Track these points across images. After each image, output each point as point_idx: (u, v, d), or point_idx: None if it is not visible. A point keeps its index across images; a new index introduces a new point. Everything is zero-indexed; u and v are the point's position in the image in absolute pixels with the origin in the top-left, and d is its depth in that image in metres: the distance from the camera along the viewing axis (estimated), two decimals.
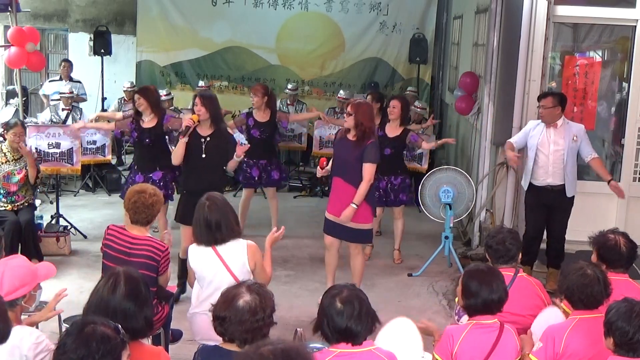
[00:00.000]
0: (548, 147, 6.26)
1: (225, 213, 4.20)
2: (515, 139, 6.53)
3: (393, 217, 7.33)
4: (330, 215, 5.79)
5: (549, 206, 6.35)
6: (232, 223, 4.21)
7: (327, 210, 5.85)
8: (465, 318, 3.84)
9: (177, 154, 5.82)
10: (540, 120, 6.37)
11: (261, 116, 7.54)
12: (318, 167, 5.96)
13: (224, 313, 3.04)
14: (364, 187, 5.57)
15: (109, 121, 7.91)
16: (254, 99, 7.51)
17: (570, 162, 6.25)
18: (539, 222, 6.39)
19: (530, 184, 6.40)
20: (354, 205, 5.56)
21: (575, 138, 6.22)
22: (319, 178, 6.32)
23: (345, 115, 5.73)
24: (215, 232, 4.15)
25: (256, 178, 7.58)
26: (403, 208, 7.28)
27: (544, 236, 6.55)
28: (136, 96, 6.73)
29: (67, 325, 3.38)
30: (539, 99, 6.35)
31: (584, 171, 7.09)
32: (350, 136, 5.67)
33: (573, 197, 6.35)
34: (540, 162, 6.29)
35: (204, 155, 5.76)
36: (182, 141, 5.76)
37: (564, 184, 6.27)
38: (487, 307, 3.51)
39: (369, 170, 5.57)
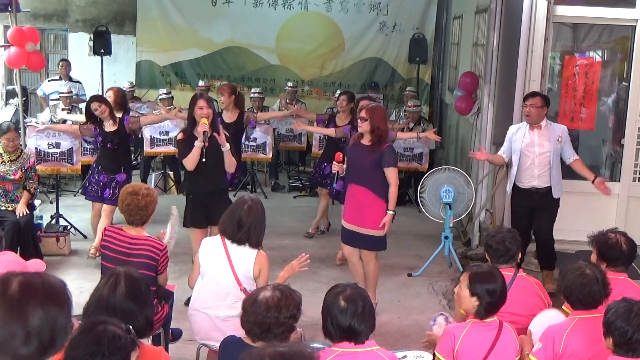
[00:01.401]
0: (533, 150, 6.24)
1: (258, 222, 4.20)
2: (503, 150, 6.50)
3: None
4: (347, 224, 5.73)
5: (534, 209, 6.33)
6: (259, 233, 4.20)
7: (343, 218, 5.79)
8: (440, 319, 3.90)
9: (192, 159, 5.62)
10: (520, 124, 6.39)
11: (228, 116, 7.46)
12: (334, 161, 5.81)
13: (245, 305, 3.17)
14: (393, 191, 5.57)
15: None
16: (221, 99, 7.44)
17: (555, 163, 6.25)
18: (524, 225, 6.32)
19: (516, 187, 6.38)
20: (391, 212, 5.56)
21: (559, 139, 6.22)
22: (333, 174, 6.14)
23: (359, 120, 5.66)
24: (239, 232, 4.15)
25: None
26: None
27: (532, 238, 6.55)
28: (96, 104, 6.84)
29: None
30: (527, 98, 6.31)
31: None
32: (365, 141, 5.60)
33: (559, 198, 6.35)
34: (525, 165, 6.27)
35: (204, 160, 5.65)
36: (199, 146, 5.59)
37: (549, 186, 6.27)
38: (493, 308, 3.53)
39: (393, 174, 5.57)
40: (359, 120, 5.66)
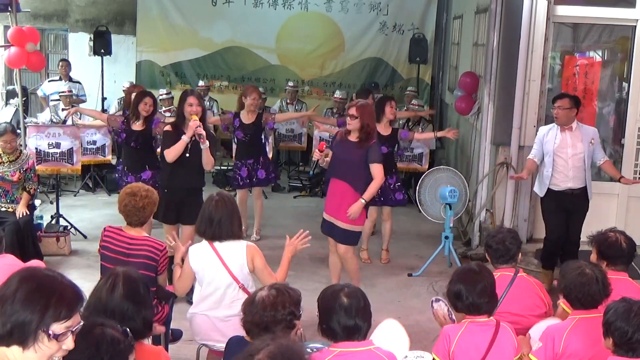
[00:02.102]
0: (566, 151, 6.22)
1: (229, 213, 4.21)
2: (534, 153, 6.43)
3: (382, 219, 7.31)
4: (327, 216, 5.76)
5: (568, 210, 6.30)
6: (233, 225, 4.21)
7: (324, 210, 5.82)
8: (441, 304, 3.88)
9: (175, 152, 5.73)
10: (551, 126, 6.35)
11: (247, 118, 7.47)
12: (316, 149, 5.82)
13: (244, 307, 3.20)
14: (375, 185, 5.56)
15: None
16: (251, 101, 7.40)
17: (588, 165, 6.26)
18: (561, 227, 6.30)
19: (549, 189, 6.31)
20: (363, 201, 5.54)
21: (592, 141, 6.23)
22: (313, 161, 6.23)
23: (347, 117, 5.66)
24: (214, 228, 4.17)
25: (245, 178, 7.56)
26: (391, 210, 7.29)
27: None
28: (150, 100, 6.69)
29: None
30: (555, 100, 6.29)
31: None
32: (353, 138, 5.61)
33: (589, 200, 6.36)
34: (559, 167, 6.23)
35: (187, 155, 5.75)
36: (185, 140, 5.69)
37: (583, 187, 6.26)
38: (475, 309, 3.50)
39: (378, 170, 5.55)
40: (347, 118, 5.65)
